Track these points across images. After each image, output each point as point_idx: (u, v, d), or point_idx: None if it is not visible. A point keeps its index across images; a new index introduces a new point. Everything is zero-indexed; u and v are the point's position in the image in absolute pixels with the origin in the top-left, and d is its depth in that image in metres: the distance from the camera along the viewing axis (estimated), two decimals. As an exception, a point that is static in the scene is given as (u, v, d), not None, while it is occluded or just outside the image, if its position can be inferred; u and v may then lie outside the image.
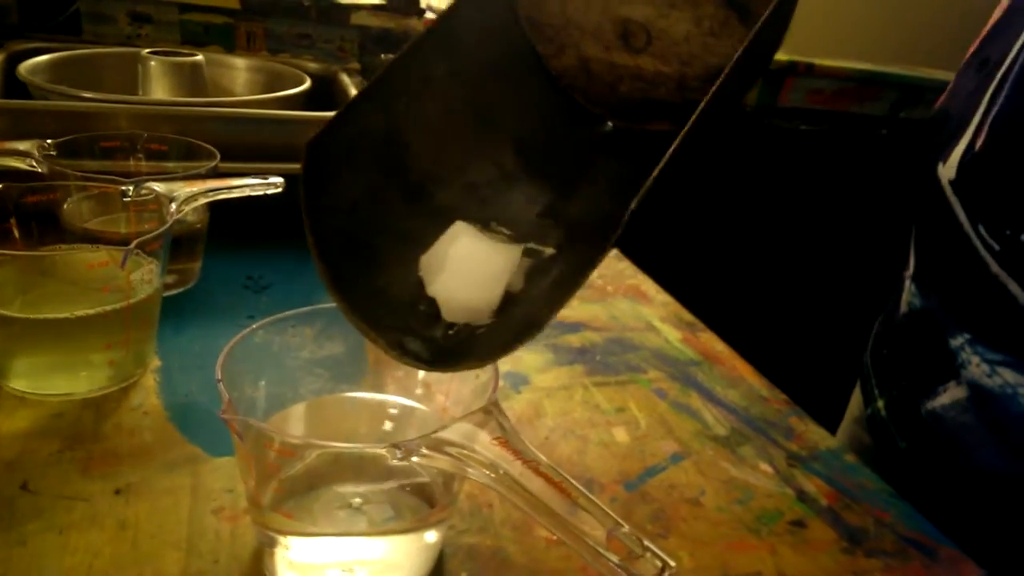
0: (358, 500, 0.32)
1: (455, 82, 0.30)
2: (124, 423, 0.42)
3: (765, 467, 0.46)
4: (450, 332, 0.31)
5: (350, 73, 0.89)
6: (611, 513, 0.26)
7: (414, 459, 0.28)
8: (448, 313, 0.30)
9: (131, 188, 0.49)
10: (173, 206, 0.48)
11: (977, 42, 0.55)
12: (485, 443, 0.28)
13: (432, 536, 0.34)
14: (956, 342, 0.51)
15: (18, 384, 0.44)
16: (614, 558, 0.25)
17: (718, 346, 0.60)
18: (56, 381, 0.44)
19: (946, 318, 0.52)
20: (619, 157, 0.30)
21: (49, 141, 0.55)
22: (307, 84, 0.78)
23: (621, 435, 0.48)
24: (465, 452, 0.27)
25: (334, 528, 0.32)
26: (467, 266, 0.30)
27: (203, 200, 0.51)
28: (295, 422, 0.34)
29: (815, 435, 0.50)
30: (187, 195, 0.49)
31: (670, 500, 0.42)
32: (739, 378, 0.56)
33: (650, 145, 0.28)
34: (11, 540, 0.34)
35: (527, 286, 0.31)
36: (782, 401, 0.53)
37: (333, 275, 0.29)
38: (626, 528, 0.26)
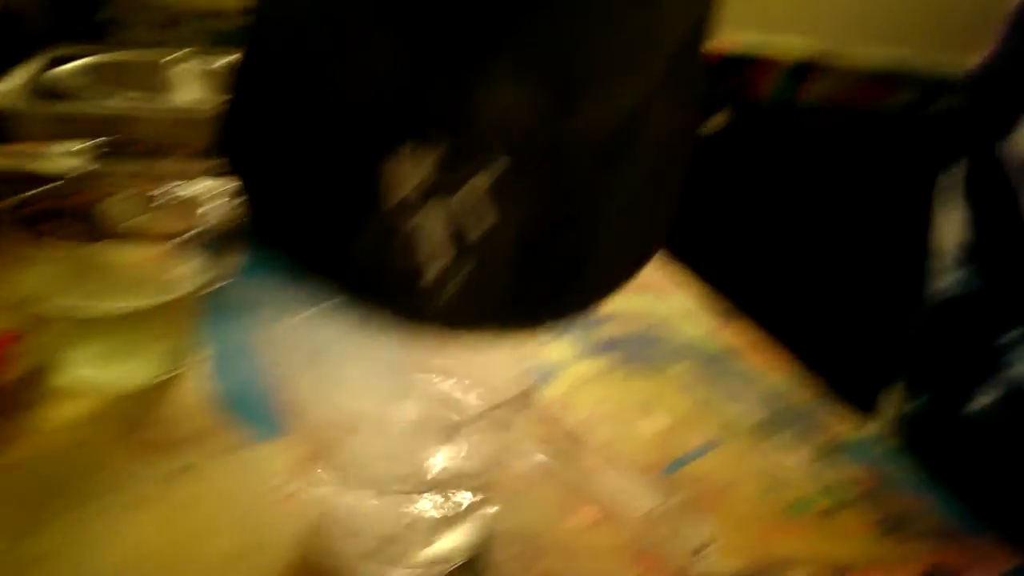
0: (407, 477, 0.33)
1: None
2: (176, 410, 0.44)
3: (799, 455, 0.47)
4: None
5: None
6: (652, 490, 0.27)
7: (461, 438, 0.29)
8: None
9: (169, 188, 0.50)
10: (210, 204, 0.49)
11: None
12: (528, 424, 0.29)
13: (473, 518, 0.35)
14: (1006, 338, 0.50)
15: (73, 375, 0.45)
16: (658, 532, 0.25)
17: (749, 336, 0.60)
18: (109, 372, 0.46)
19: (997, 309, 0.51)
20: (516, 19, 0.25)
21: (91, 142, 0.57)
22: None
23: (652, 425, 0.48)
24: (510, 433, 0.28)
25: (384, 501, 0.33)
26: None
27: (237, 198, 0.52)
28: (348, 401, 0.35)
29: (849, 423, 0.50)
30: (225, 190, 0.50)
31: (702, 488, 0.43)
32: (771, 367, 0.56)
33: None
34: (77, 519, 0.36)
35: (504, 211, 0.26)
36: (815, 390, 0.54)
37: (314, 265, 0.26)
38: (667, 504, 0.26)
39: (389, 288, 0.27)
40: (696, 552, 0.25)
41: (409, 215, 0.26)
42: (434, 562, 0.34)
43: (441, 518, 0.34)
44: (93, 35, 0.97)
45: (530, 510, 0.39)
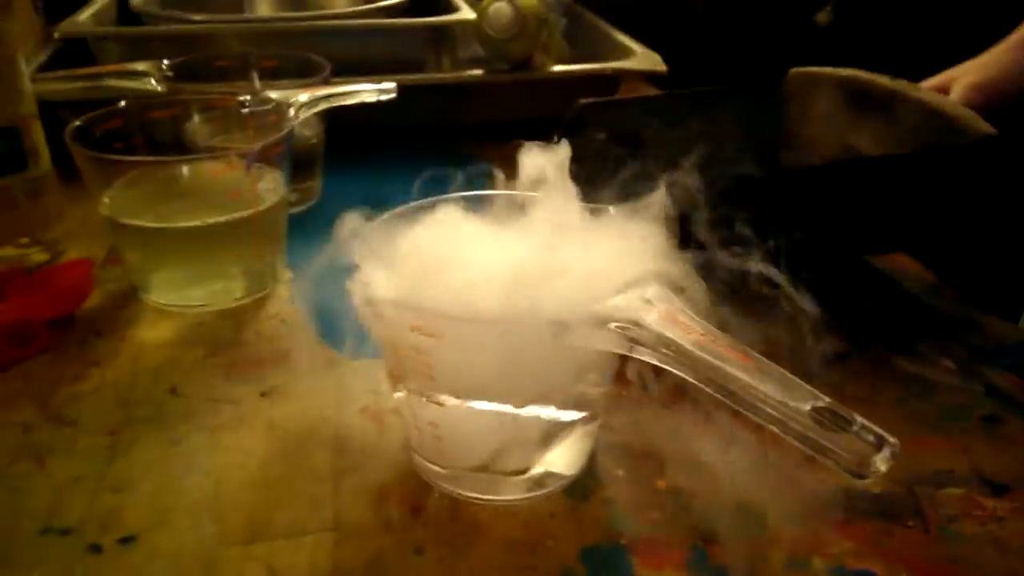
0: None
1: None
2: (263, 331, 0.42)
3: (946, 362, 0.41)
4: None
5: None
6: (807, 385, 0.23)
7: (571, 336, 0.25)
8: None
9: (249, 98, 0.48)
10: (291, 111, 0.46)
11: None
12: (652, 317, 0.25)
13: (585, 429, 0.32)
14: None
15: (158, 297, 0.44)
16: (821, 435, 0.21)
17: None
18: (194, 292, 0.44)
19: None
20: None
21: (165, 62, 0.55)
22: (408, -7, 0.75)
23: (774, 333, 0.43)
24: (630, 327, 0.24)
25: (487, 416, 0.30)
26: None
27: (320, 106, 0.49)
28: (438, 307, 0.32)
29: (1000, 328, 0.44)
30: (304, 101, 0.48)
31: (838, 398, 0.38)
32: (904, 272, 0.50)
33: None
34: (165, 440, 0.34)
35: None
36: (956, 296, 0.47)
37: None
38: (827, 401, 0.22)
39: None
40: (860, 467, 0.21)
41: None
42: (545, 476, 0.31)
43: (548, 432, 0.30)
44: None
45: (650, 422, 0.35)
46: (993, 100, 0.47)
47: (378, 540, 0.29)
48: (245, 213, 0.42)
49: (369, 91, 0.52)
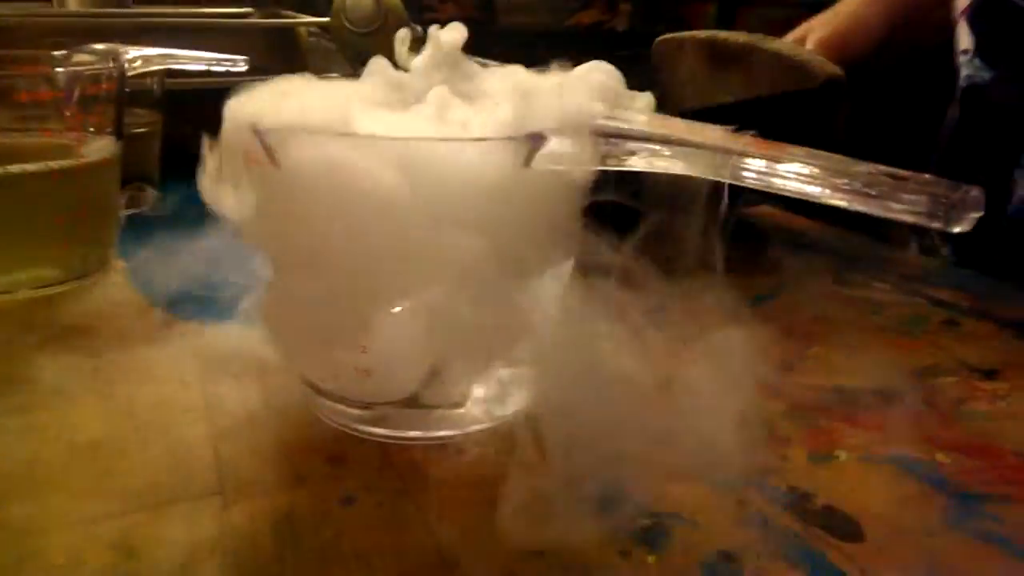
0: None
1: None
2: (92, 309, 0.33)
3: (882, 285, 0.39)
4: None
5: None
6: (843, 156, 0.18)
7: (547, 154, 0.19)
8: None
9: (64, 53, 0.39)
10: (122, 59, 0.38)
11: None
12: (645, 120, 0.19)
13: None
14: None
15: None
16: (889, 192, 0.17)
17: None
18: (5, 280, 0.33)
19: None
20: None
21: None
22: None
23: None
24: (623, 128, 0.19)
25: (414, 327, 0.23)
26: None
27: (157, 65, 0.41)
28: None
29: (916, 260, 0.43)
30: (138, 55, 0.40)
31: (790, 321, 0.34)
32: (807, 227, 0.49)
33: None
34: (-53, 430, 0.24)
35: None
36: (866, 239, 0.46)
37: None
38: (876, 166, 0.18)
39: None
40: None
41: None
42: (487, 412, 0.24)
43: (491, 348, 0.24)
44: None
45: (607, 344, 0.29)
46: (844, 54, 0.47)
47: (286, 496, 0.21)
48: (63, 163, 0.33)
49: (214, 59, 0.44)
